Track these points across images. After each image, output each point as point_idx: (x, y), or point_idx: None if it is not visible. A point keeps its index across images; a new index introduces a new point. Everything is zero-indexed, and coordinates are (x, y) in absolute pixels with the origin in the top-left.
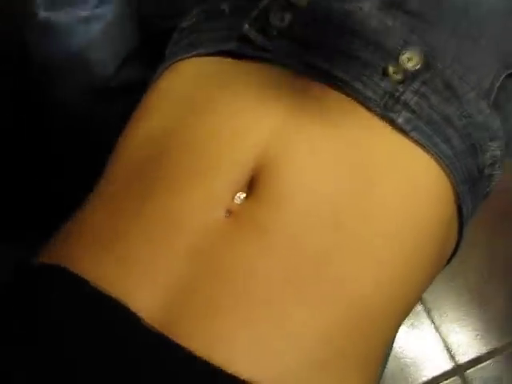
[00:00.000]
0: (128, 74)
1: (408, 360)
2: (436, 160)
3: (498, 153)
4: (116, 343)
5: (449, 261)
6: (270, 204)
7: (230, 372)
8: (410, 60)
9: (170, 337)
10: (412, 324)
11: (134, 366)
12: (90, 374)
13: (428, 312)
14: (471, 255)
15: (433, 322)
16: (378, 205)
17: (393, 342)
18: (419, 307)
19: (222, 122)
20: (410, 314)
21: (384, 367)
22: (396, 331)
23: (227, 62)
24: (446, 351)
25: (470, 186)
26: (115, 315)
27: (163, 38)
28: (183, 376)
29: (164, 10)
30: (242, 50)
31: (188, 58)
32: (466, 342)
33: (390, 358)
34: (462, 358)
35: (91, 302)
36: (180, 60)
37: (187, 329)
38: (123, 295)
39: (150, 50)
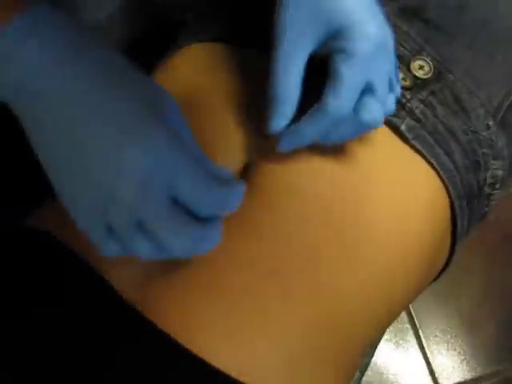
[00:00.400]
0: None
1: (390, 376)
2: (435, 171)
3: (500, 172)
4: (93, 314)
5: (438, 275)
6: (262, 198)
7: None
8: (421, 68)
9: (148, 315)
10: (397, 342)
11: (111, 339)
12: (64, 342)
13: (415, 331)
14: (466, 279)
15: (419, 342)
16: (370, 207)
17: (373, 350)
18: (407, 325)
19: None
20: (397, 331)
21: (362, 375)
22: (376, 337)
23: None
24: (429, 373)
25: (467, 202)
26: (97, 288)
27: (174, 30)
28: (163, 359)
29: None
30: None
31: (197, 42)
32: (451, 365)
33: (372, 373)
34: (445, 382)
35: (71, 269)
36: (188, 44)
37: (165, 311)
38: (105, 271)
39: (158, 41)
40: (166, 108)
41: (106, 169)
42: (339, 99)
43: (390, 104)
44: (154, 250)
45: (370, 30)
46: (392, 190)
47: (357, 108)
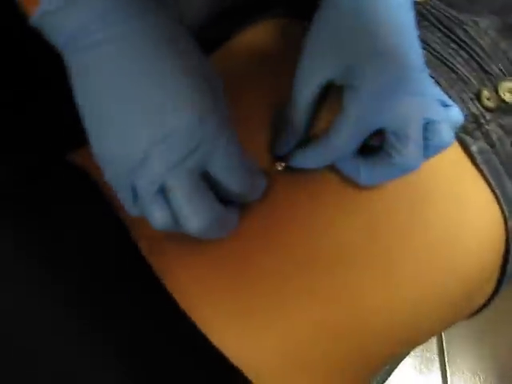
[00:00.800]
0: (217, 32)
1: None
2: (497, 201)
3: None
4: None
5: (478, 310)
6: (292, 201)
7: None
8: (510, 92)
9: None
10: (421, 369)
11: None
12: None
13: (442, 363)
14: (506, 323)
15: (444, 376)
16: (418, 224)
17: (394, 367)
18: (435, 355)
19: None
20: (423, 359)
21: None
22: (398, 354)
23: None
24: None
25: None
26: (111, 233)
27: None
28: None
29: None
30: None
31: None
32: None
33: None
34: None
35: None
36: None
37: (176, 273)
38: (129, 223)
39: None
40: (217, 87)
41: (145, 128)
42: (339, 138)
43: (431, 146)
44: (169, 220)
45: (385, 67)
46: (446, 213)
47: (385, 148)
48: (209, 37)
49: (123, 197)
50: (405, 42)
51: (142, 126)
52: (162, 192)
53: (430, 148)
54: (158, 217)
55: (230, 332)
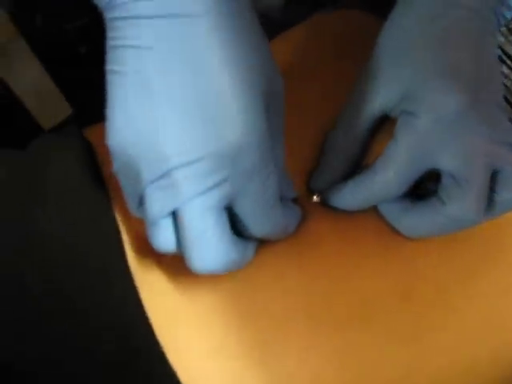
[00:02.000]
0: (292, 14)
1: None
2: None
3: None
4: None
5: None
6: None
7: None
8: None
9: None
10: None
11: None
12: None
13: None
14: None
15: None
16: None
17: None
18: None
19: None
20: None
21: None
22: None
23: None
24: None
25: None
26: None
27: None
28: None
29: None
30: None
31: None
32: None
33: None
34: None
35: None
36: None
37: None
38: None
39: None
40: (277, 96)
41: (184, 139)
42: (386, 173)
43: (498, 201)
44: (171, 247)
45: (450, 94)
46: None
47: (439, 193)
48: (276, 18)
49: (128, 195)
50: (481, 71)
51: (180, 133)
52: (173, 215)
53: (496, 203)
54: (161, 242)
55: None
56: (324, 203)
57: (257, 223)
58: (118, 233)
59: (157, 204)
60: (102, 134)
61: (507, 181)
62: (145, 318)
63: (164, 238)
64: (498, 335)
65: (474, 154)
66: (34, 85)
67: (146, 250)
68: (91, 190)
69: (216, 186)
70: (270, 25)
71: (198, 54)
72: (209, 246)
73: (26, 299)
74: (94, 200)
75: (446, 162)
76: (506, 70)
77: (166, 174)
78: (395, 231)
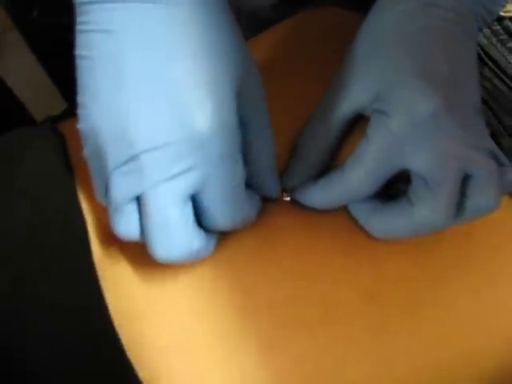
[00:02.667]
0: (282, 14)
1: None
2: None
3: None
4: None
5: None
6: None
7: None
8: None
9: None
10: None
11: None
12: None
13: None
14: None
15: None
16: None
17: None
18: None
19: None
20: None
21: None
22: None
23: None
24: None
25: None
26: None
27: None
28: None
29: None
30: None
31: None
32: None
33: None
34: None
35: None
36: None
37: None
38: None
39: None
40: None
41: (152, 123)
42: (356, 172)
43: (468, 207)
44: (134, 234)
45: (424, 95)
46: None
47: (408, 194)
48: (266, 18)
49: (95, 181)
50: (457, 72)
51: (148, 119)
52: (137, 201)
53: (466, 208)
54: (124, 229)
55: None
56: (294, 202)
57: (221, 212)
58: (83, 223)
59: (121, 189)
60: (75, 128)
61: (478, 186)
62: (106, 311)
63: (127, 225)
64: (467, 341)
65: (445, 157)
66: (28, 78)
67: (111, 241)
68: (60, 182)
69: (182, 172)
70: (260, 24)
71: (169, 41)
72: (173, 234)
73: None
74: (62, 191)
75: (417, 164)
76: (487, 72)
77: (132, 159)
78: (366, 231)
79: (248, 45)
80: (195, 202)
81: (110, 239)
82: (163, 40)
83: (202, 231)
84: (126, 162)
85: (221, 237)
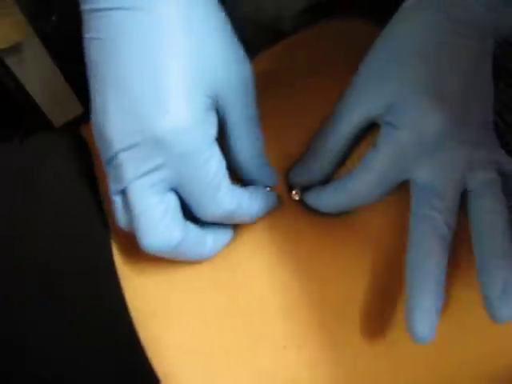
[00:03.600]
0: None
1: None
2: None
3: None
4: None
5: None
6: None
7: None
8: None
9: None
10: None
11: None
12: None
13: None
14: None
15: None
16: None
17: None
18: None
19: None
20: None
21: None
22: None
23: None
24: None
25: None
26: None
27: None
28: None
29: None
30: None
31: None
32: None
33: None
34: None
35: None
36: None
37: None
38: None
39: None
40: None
41: (129, 123)
42: (363, 180)
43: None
44: (127, 224)
45: (432, 110)
46: None
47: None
48: (284, 28)
49: (108, 172)
50: (470, 89)
51: (120, 120)
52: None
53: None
54: (118, 220)
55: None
56: (303, 203)
57: (199, 205)
58: (105, 227)
59: (110, 183)
60: None
61: (474, 201)
62: (126, 311)
63: (118, 215)
64: (478, 342)
65: (446, 172)
66: (46, 83)
67: (130, 244)
68: (83, 187)
69: (155, 168)
70: (278, 36)
71: (141, 46)
72: (150, 223)
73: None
74: (85, 196)
75: (419, 176)
76: (501, 85)
77: (112, 157)
78: (374, 231)
79: (263, 55)
80: (179, 195)
81: (129, 242)
82: (135, 45)
83: (189, 224)
84: (110, 159)
85: (235, 238)
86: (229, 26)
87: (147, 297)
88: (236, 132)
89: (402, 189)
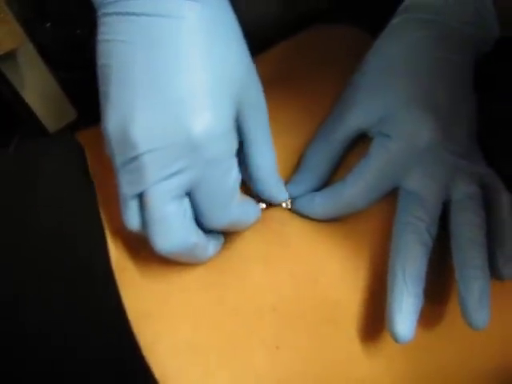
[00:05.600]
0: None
1: None
2: None
3: None
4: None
5: None
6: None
7: None
8: None
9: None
10: None
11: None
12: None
13: None
14: None
15: None
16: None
17: None
18: None
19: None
20: None
21: None
22: None
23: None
24: None
25: None
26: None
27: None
28: None
29: None
30: None
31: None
32: None
33: None
34: None
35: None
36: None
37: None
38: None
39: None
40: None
41: (155, 125)
42: (355, 187)
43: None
44: (137, 226)
45: (424, 122)
46: None
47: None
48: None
49: (117, 175)
50: (457, 102)
51: (148, 123)
52: (139, 197)
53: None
54: (128, 221)
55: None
56: (294, 210)
57: (210, 212)
58: (102, 230)
59: (126, 185)
60: (95, 137)
61: (455, 213)
62: (122, 311)
63: (131, 218)
64: (465, 343)
65: (433, 182)
66: (40, 89)
67: (127, 245)
68: (80, 191)
69: (177, 172)
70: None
71: (174, 52)
72: (170, 228)
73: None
74: (82, 200)
75: (409, 184)
76: (490, 95)
77: (134, 159)
78: (366, 235)
79: (258, 59)
80: (191, 200)
81: (126, 244)
82: (169, 51)
83: (200, 230)
84: (128, 162)
85: (226, 242)
86: (241, 32)
87: (144, 298)
88: (257, 148)
89: (388, 195)
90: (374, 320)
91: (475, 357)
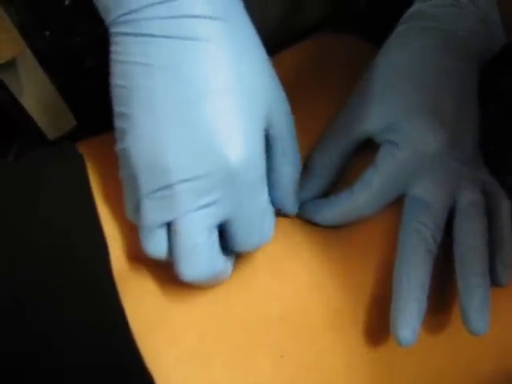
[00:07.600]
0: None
1: None
2: None
3: None
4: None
5: None
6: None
7: None
8: None
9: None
10: None
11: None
12: None
13: None
14: None
15: None
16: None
17: None
18: None
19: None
20: None
21: None
22: None
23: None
24: None
25: None
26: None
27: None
28: None
29: None
30: None
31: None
32: None
33: None
34: None
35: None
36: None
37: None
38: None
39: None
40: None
41: (189, 155)
42: (363, 195)
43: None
44: (162, 255)
45: (430, 131)
46: None
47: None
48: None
49: (127, 200)
50: (462, 111)
51: (181, 152)
52: (167, 225)
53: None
54: (153, 248)
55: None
56: (300, 217)
57: (247, 236)
58: (104, 241)
59: (154, 213)
60: (95, 148)
61: (460, 221)
62: (125, 322)
63: (157, 246)
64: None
65: (440, 189)
66: (39, 97)
67: (130, 257)
68: (82, 201)
69: (213, 202)
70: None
71: (202, 77)
72: (199, 258)
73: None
74: (84, 211)
75: (415, 191)
76: (491, 105)
77: (166, 187)
78: (368, 241)
79: None
80: (222, 226)
81: (129, 255)
82: (195, 75)
83: (223, 254)
84: (159, 189)
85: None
86: (264, 51)
87: (149, 308)
88: (283, 158)
89: (395, 202)
90: (379, 328)
91: (473, 360)
